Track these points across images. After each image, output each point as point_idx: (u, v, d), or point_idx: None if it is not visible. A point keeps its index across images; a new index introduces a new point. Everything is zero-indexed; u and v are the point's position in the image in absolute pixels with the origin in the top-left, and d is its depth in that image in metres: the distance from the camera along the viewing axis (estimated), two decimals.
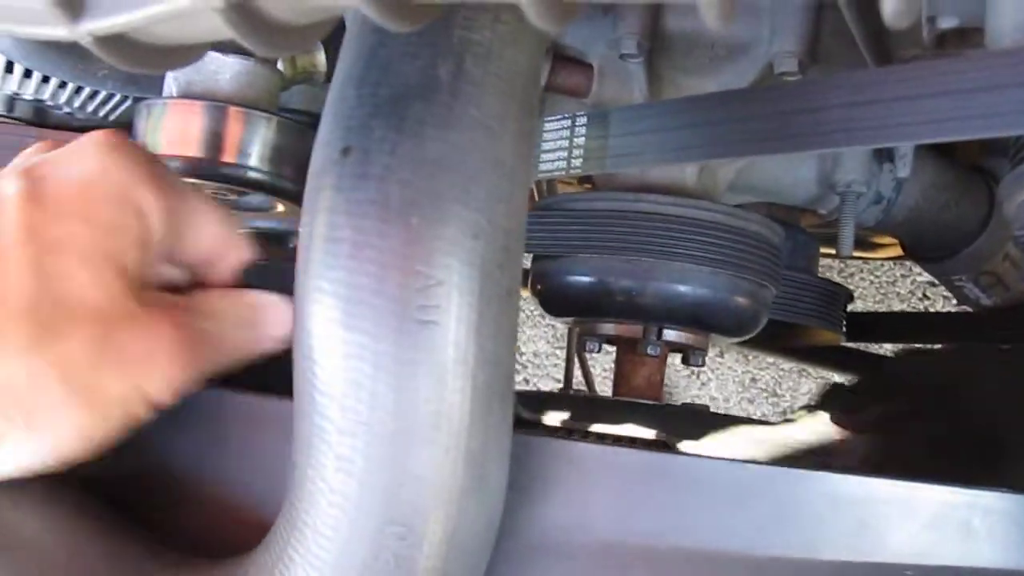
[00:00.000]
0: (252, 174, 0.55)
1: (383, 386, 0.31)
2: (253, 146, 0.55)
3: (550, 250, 0.65)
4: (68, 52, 0.59)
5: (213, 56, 0.55)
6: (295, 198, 0.57)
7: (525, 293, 0.65)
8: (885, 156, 0.71)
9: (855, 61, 0.60)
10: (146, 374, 0.37)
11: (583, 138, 0.46)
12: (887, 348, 1.04)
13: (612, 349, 0.72)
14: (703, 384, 1.57)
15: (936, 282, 0.90)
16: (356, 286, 0.31)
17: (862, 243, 0.87)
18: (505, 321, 0.33)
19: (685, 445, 0.58)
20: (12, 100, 0.63)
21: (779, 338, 0.87)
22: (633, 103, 0.64)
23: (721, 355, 1.58)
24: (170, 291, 0.41)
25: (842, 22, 0.59)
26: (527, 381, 1.59)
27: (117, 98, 0.64)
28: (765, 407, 1.55)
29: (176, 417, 0.41)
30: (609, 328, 0.67)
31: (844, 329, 0.84)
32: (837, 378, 1.05)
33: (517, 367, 1.63)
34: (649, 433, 0.59)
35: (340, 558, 0.33)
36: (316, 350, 0.32)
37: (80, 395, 0.35)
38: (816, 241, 0.83)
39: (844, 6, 0.47)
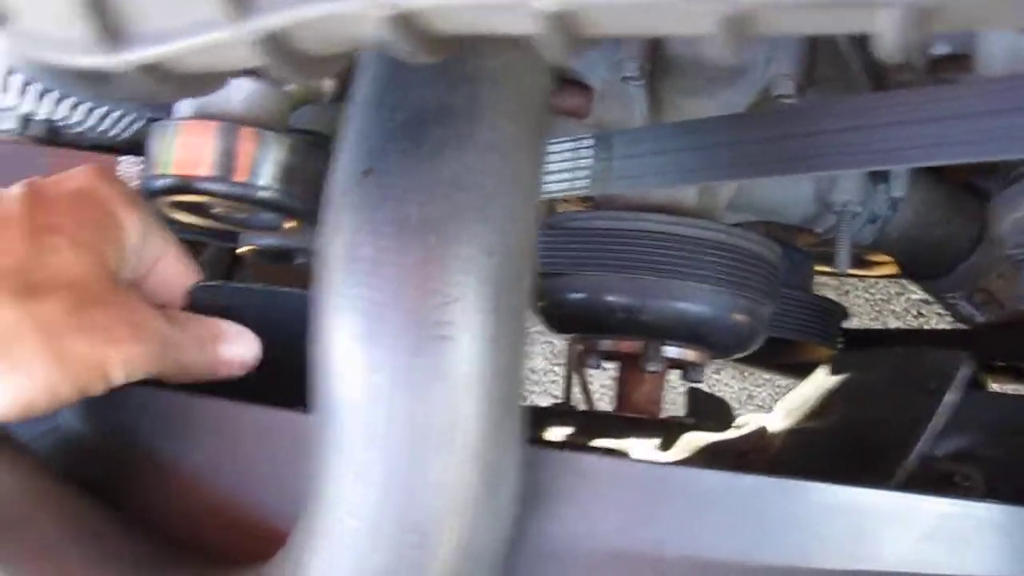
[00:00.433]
0: (263, 193, 0.56)
1: (400, 399, 0.33)
2: (264, 165, 0.56)
3: (552, 268, 0.66)
4: (88, 74, 0.60)
5: None
6: (304, 216, 0.58)
7: None
8: (880, 176, 0.73)
9: (850, 85, 0.62)
10: (109, 348, 0.41)
11: (589, 159, 0.47)
12: None
13: (610, 367, 0.73)
14: None
15: (930, 300, 0.91)
16: (376, 302, 0.33)
17: (858, 261, 0.88)
18: (517, 336, 0.35)
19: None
20: (27, 120, 0.64)
21: (775, 354, 0.88)
22: (633, 125, 0.65)
23: (718, 372, 1.59)
24: None
25: (837, 47, 0.61)
26: (524, 397, 1.59)
27: (130, 118, 0.65)
28: None
29: (193, 426, 0.43)
30: (609, 344, 0.68)
31: (839, 345, 0.86)
32: None
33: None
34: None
35: (357, 566, 0.34)
36: (335, 364, 0.34)
37: (52, 352, 0.39)
38: (811, 259, 0.85)
39: (840, 35, 0.48)
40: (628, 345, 0.68)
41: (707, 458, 0.59)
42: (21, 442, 0.43)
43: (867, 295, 1.52)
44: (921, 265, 0.81)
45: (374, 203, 0.33)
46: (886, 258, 0.91)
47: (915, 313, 1.51)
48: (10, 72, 0.61)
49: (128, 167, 0.63)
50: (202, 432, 0.44)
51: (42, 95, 0.62)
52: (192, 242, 0.73)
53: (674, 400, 0.93)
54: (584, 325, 0.67)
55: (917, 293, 1.49)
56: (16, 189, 0.44)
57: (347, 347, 0.33)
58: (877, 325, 1.52)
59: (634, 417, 0.69)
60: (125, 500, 0.44)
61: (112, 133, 0.66)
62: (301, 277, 0.70)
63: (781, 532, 0.39)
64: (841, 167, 0.42)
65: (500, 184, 0.34)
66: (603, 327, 0.66)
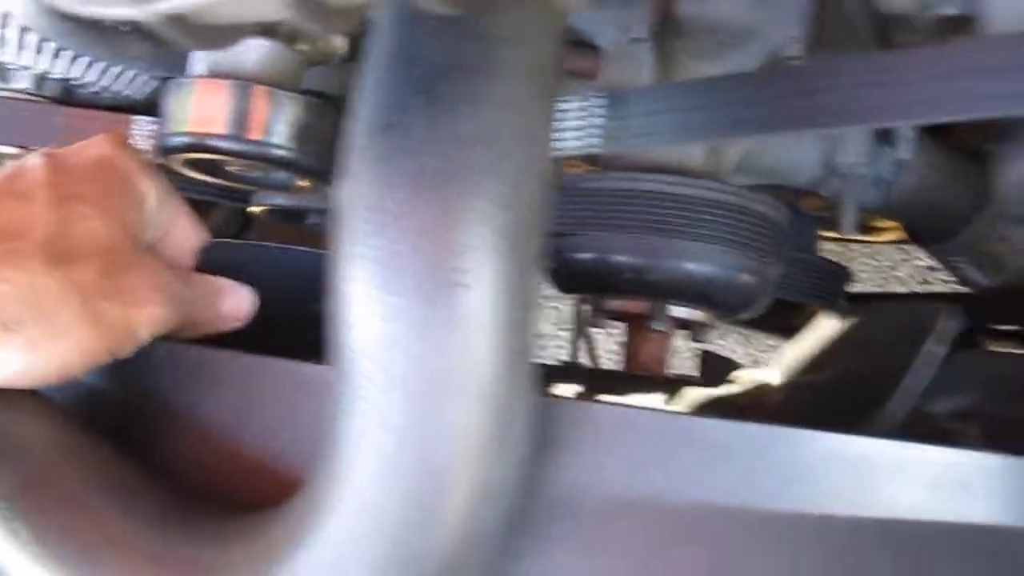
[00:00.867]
0: (277, 151, 0.57)
1: (417, 345, 0.34)
2: (278, 124, 0.57)
3: (560, 228, 0.67)
4: (102, 31, 0.60)
5: None
6: (319, 176, 0.59)
7: None
8: (885, 139, 0.74)
9: (858, 47, 0.63)
10: (137, 308, 0.43)
11: (602, 119, 0.48)
12: None
13: (616, 330, 0.74)
14: None
15: (936, 266, 0.92)
16: (395, 252, 0.34)
17: (864, 227, 0.89)
18: (530, 286, 0.36)
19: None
20: (41, 79, 0.64)
21: (780, 318, 0.89)
22: (642, 86, 0.66)
23: (723, 337, 1.60)
24: None
25: (843, 9, 0.61)
26: (537, 346, 1.62)
27: (144, 77, 0.66)
28: None
29: (210, 379, 0.44)
30: (616, 304, 0.69)
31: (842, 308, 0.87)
32: None
33: None
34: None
35: (376, 508, 0.35)
36: (355, 313, 0.35)
37: (88, 315, 0.41)
38: (815, 222, 0.86)
39: None
40: (635, 305, 0.69)
41: (708, 413, 0.60)
42: (47, 397, 0.44)
43: (874, 262, 1.53)
44: (926, 229, 0.82)
45: (393, 156, 0.34)
46: (891, 224, 0.92)
47: (920, 280, 1.52)
48: (24, 30, 0.61)
49: (142, 127, 0.64)
50: (218, 384, 0.46)
51: (56, 54, 0.62)
52: (203, 202, 0.74)
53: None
54: (592, 285, 0.68)
55: (923, 260, 1.50)
56: (37, 159, 0.45)
57: (368, 295, 0.34)
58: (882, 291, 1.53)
59: (639, 375, 0.70)
60: (145, 451, 0.45)
61: (126, 93, 0.66)
62: (312, 238, 0.71)
63: (786, 480, 0.40)
64: (853, 123, 0.43)
65: (513, 140, 0.34)
66: (610, 287, 0.67)
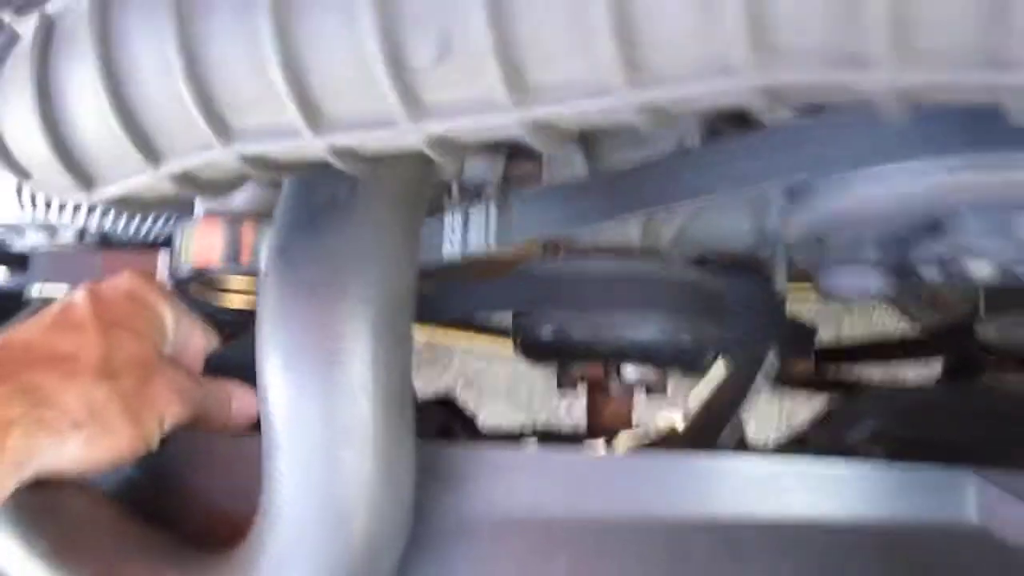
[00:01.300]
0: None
1: (312, 411, 0.45)
2: (263, 247, 0.70)
3: (522, 308, 0.77)
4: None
5: None
6: None
7: None
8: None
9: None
10: (165, 409, 0.53)
11: (494, 220, 0.60)
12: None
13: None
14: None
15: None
16: (291, 342, 0.46)
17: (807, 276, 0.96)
18: (397, 358, 0.47)
19: None
20: (82, 232, 0.79)
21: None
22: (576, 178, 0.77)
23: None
24: None
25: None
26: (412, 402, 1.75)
27: (162, 220, 0.80)
28: None
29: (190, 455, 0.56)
30: (577, 370, 0.79)
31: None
32: None
33: (522, 407, 1.86)
34: None
35: (297, 546, 0.46)
36: (269, 386, 0.47)
37: (131, 417, 0.51)
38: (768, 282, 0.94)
39: None
40: (593, 370, 0.79)
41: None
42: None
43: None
44: None
45: (287, 270, 0.47)
46: None
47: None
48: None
49: (165, 260, 0.78)
50: (202, 462, 0.58)
51: (91, 210, 0.77)
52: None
53: None
54: (552, 355, 0.78)
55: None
56: (81, 295, 0.56)
57: (274, 373, 0.46)
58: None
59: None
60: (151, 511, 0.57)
61: (144, 233, 0.81)
62: None
63: (632, 496, 0.49)
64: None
65: (376, 252, 0.46)
66: (568, 356, 0.77)
